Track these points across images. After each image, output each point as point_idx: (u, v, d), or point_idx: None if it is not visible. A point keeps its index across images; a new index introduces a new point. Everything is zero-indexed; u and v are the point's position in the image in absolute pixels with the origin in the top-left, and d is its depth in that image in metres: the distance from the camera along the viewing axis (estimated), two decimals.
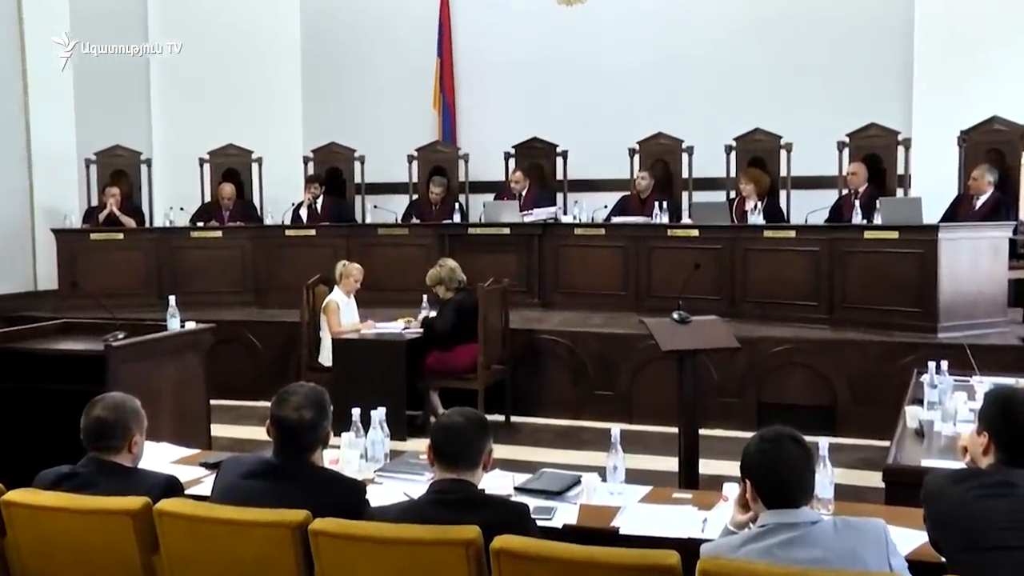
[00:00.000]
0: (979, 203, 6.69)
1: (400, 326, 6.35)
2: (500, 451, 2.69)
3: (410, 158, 8.70)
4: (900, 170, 7.35)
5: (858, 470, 4.85)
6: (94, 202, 8.56)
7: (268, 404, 2.70)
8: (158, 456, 3.45)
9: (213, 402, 5.50)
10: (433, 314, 6.32)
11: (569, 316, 7.24)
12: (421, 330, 6.24)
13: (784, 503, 2.21)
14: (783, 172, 7.64)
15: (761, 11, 8.42)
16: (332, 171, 8.85)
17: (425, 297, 6.62)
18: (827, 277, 6.47)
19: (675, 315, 4.66)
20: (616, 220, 7.63)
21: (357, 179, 8.82)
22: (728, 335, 4.78)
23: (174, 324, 5.07)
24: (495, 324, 6.31)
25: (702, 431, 4.64)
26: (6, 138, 8.43)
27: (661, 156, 8.20)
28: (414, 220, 8.16)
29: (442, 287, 6.24)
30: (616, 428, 3.14)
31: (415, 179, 8.77)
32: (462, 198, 8.63)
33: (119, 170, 8.74)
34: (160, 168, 9.04)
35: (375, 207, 8.35)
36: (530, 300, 7.57)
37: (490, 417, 2.93)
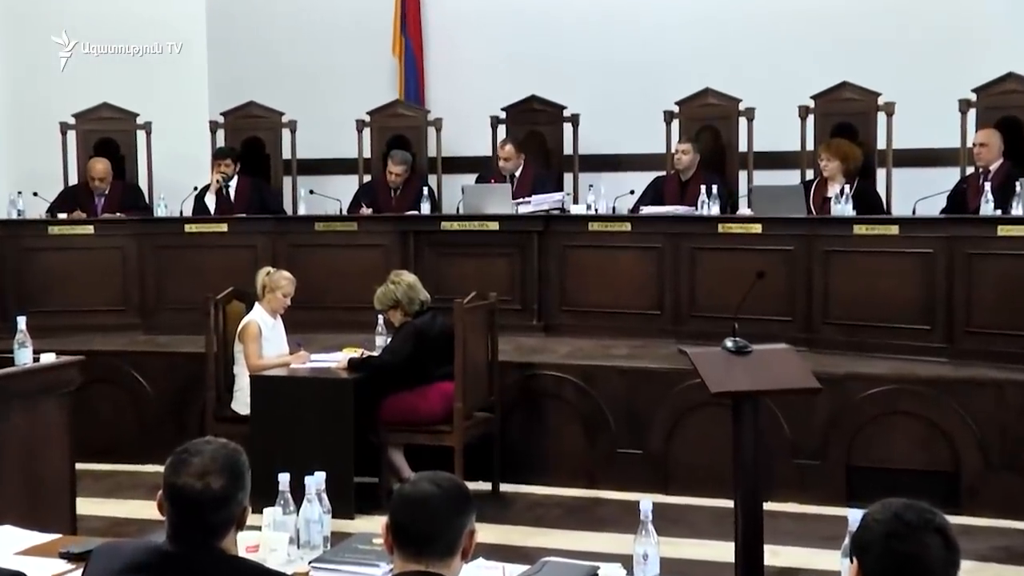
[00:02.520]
0: None
1: (345, 359, 6.37)
2: (485, 533, 2.70)
3: (360, 124, 8.74)
4: None
5: (995, 563, 4.87)
6: None
7: (160, 469, 2.71)
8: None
9: (80, 466, 5.49)
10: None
11: (581, 345, 7.26)
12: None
13: None
14: (881, 144, 7.70)
15: None
16: (250, 142, 8.88)
17: (381, 318, 6.64)
18: (945, 290, 6.51)
19: (729, 343, 4.67)
20: (647, 211, 7.67)
21: (286, 154, 8.85)
22: (804, 372, 4.79)
23: (24, 357, 5.06)
24: (478, 356, 6.33)
25: (768, 506, 4.66)
26: None
27: (709, 122, 8.26)
28: (366, 210, 8.19)
29: (398, 312, 6.26)
30: (647, 501, 3.15)
31: (367, 154, 8.79)
32: (432, 180, 8.67)
33: None
34: (4, 137, 9.04)
35: (311, 192, 8.39)
36: (527, 322, 7.59)
37: (471, 485, 2.93)
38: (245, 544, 3.13)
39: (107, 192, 8.47)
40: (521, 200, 7.81)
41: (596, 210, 7.73)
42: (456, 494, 2.54)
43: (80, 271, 7.95)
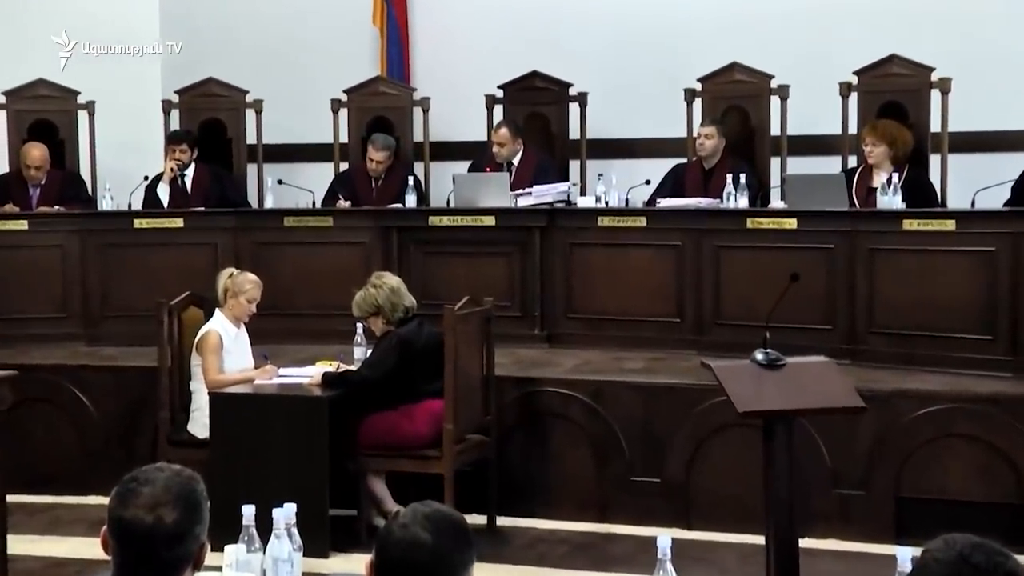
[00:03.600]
0: None
1: (318, 374, 6.36)
2: (480, 573, 2.70)
3: (336, 104, 8.74)
4: None
5: None
6: None
7: (104, 501, 2.71)
8: None
9: (12, 499, 5.47)
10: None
11: (590, 357, 7.26)
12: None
13: None
14: (935, 126, 7.70)
15: None
16: (210, 125, 8.88)
17: (360, 327, 6.64)
18: (1008, 295, 6.51)
19: (760, 355, 4.68)
20: (665, 203, 7.68)
21: (251, 138, 8.85)
22: (847, 388, 4.80)
23: None
24: (471, 370, 6.33)
25: (804, 543, 4.66)
26: None
27: (737, 102, 8.25)
28: (343, 203, 8.20)
29: (379, 319, 6.26)
30: (665, 537, 3.15)
31: (344, 138, 8.79)
32: (419, 169, 8.67)
33: None
34: None
35: (279, 182, 8.38)
36: (527, 331, 7.60)
37: (465, 517, 2.92)
38: None
39: (44, 182, 8.44)
40: (521, 191, 7.82)
41: (607, 203, 7.75)
42: (453, 531, 2.52)
43: (12, 273, 7.93)
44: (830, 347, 6.35)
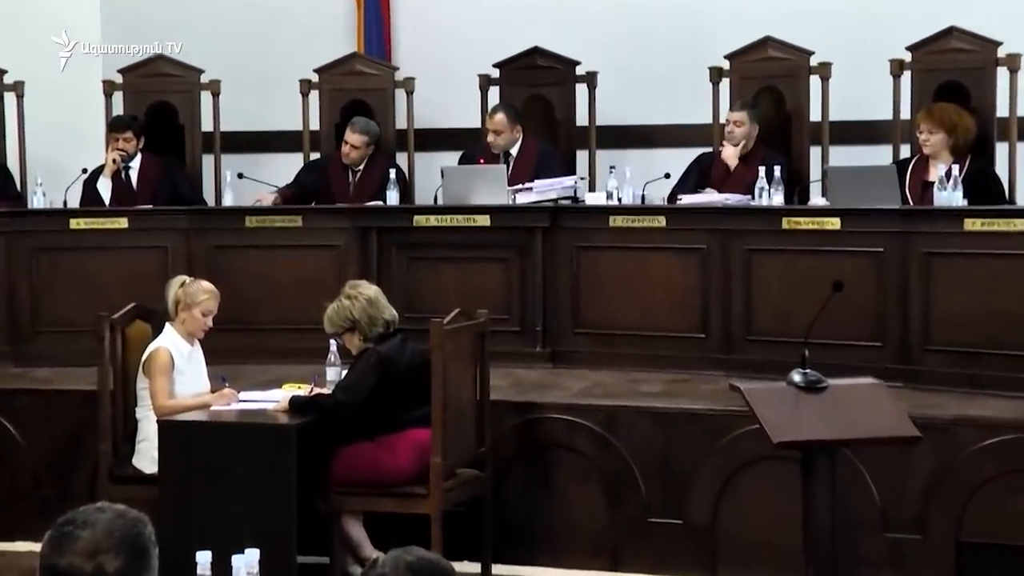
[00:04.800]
0: None
1: (285, 399, 6.36)
2: None
3: (305, 86, 8.75)
4: None
5: None
6: None
7: (35, 547, 2.71)
8: None
9: None
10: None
11: (600, 379, 7.27)
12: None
13: None
14: (1002, 110, 7.71)
15: None
16: (158, 110, 8.88)
17: (333, 344, 6.64)
18: None
19: (797, 376, 4.69)
20: (687, 200, 7.69)
21: (206, 124, 8.84)
22: (899, 414, 4.81)
23: None
24: (462, 394, 6.33)
25: None
26: None
27: (770, 82, 8.27)
28: (272, 201, 8.20)
29: (355, 336, 6.25)
30: None
31: (315, 125, 8.80)
32: (402, 161, 8.68)
33: None
34: None
35: (240, 176, 8.39)
36: (528, 348, 7.61)
37: (456, 565, 2.91)
38: None
39: None
40: (520, 187, 7.82)
41: (619, 199, 7.73)
42: None
43: None
44: (879, 367, 6.34)
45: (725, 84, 8.25)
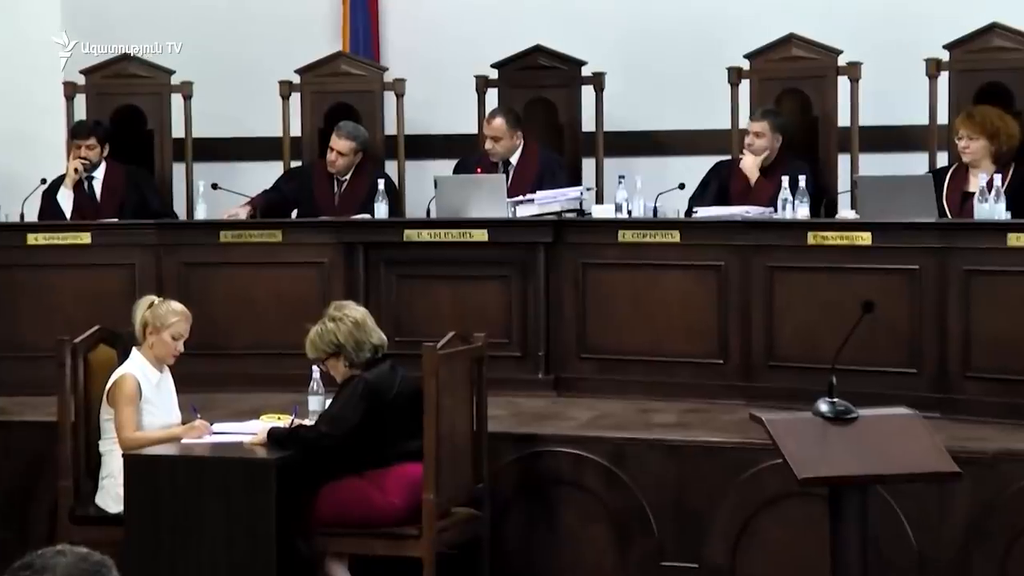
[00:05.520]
0: None
1: (264, 431, 6.35)
2: None
3: (286, 88, 8.77)
4: None
5: None
6: None
7: None
8: None
9: None
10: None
11: (608, 409, 7.27)
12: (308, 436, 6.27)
13: None
14: None
15: None
16: (125, 114, 8.90)
17: (316, 371, 6.63)
18: None
19: (824, 406, 4.68)
20: (704, 213, 7.69)
21: (177, 130, 8.86)
22: (936, 448, 4.80)
23: None
24: (458, 425, 6.33)
25: None
26: None
27: (794, 84, 8.29)
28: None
29: (340, 361, 6.25)
30: None
31: (296, 130, 8.82)
32: (392, 170, 8.69)
33: None
34: None
35: (215, 187, 8.39)
36: (530, 375, 7.62)
37: None
38: None
39: None
40: (521, 198, 7.83)
41: (629, 212, 7.74)
42: None
43: None
44: (915, 395, 6.36)
45: (745, 86, 8.28)
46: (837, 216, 7.55)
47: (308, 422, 6.39)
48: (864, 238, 7.09)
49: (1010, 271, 6.79)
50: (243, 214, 8.20)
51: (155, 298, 6.63)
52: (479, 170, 8.25)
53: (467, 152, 8.55)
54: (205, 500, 6.06)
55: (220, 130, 9.04)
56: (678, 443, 6.67)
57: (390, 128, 8.79)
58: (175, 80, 8.83)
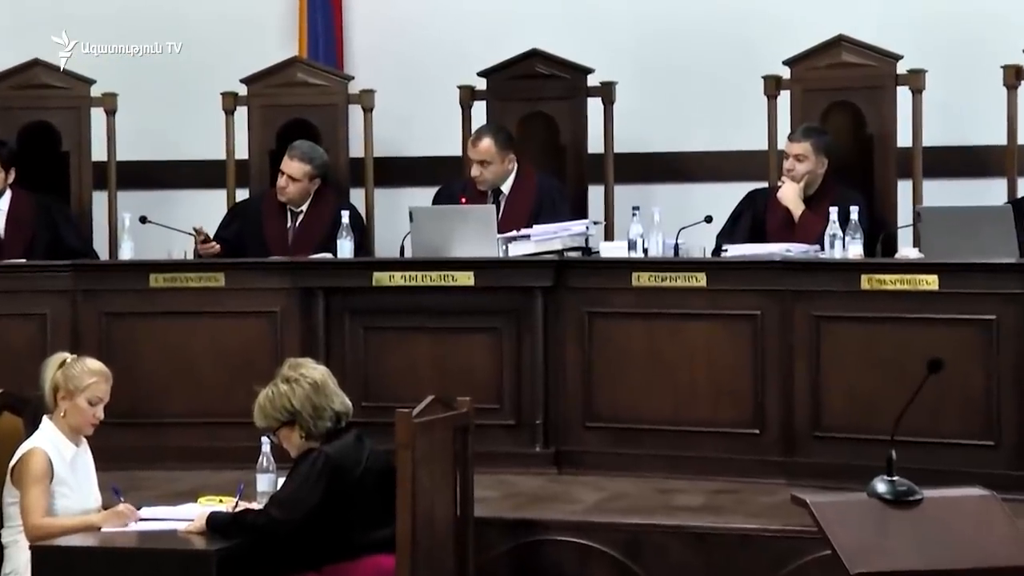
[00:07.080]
0: None
1: (203, 516, 6.35)
2: None
3: (231, 100, 8.82)
4: None
5: None
6: None
7: None
8: None
9: None
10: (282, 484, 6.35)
11: (621, 488, 7.29)
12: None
13: None
14: None
15: None
16: (35, 132, 8.94)
17: (267, 443, 6.64)
18: None
19: (882, 486, 4.69)
20: (735, 251, 7.73)
21: (98, 152, 8.91)
22: (1017, 538, 4.80)
23: None
24: (438, 509, 6.33)
25: None
26: None
27: (844, 96, 8.34)
28: (210, 246, 8.29)
29: (295, 432, 6.25)
30: None
31: (243, 153, 8.87)
32: (358, 199, 8.73)
33: None
34: None
35: (144, 221, 8.41)
36: (525, 448, 7.66)
37: None
38: None
39: None
40: (514, 233, 7.87)
41: (645, 250, 7.77)
42: None
43: None
44: (992, 473, 6.37)
45: (784, 98, 8.33)
46: (896, 255, 7.57)
47: (256, 505, 6.39)
48: (929, 282, 7.10)
49: None
50: (216, 249, 8.21)
51: (68, 355, 6.61)
52: (464, 200, 8.29)
53: (449, 178, 8.59)
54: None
55: (150, 152, 9.08)
56: (705, 530, 6.66)
57: (356, 150, 8.82)
58: (95, 91, 8.86)
